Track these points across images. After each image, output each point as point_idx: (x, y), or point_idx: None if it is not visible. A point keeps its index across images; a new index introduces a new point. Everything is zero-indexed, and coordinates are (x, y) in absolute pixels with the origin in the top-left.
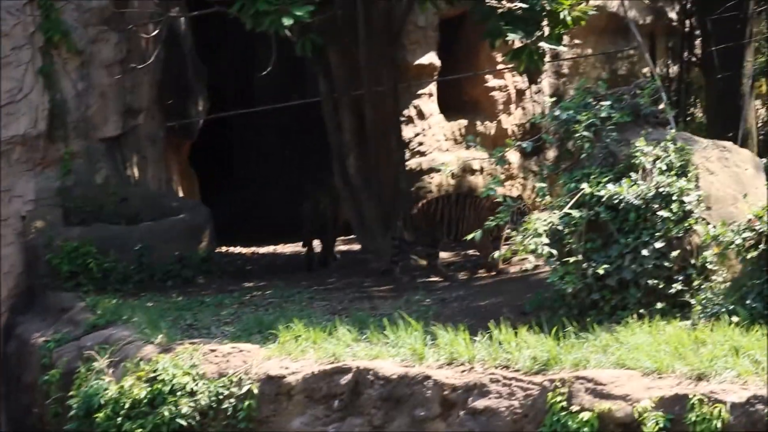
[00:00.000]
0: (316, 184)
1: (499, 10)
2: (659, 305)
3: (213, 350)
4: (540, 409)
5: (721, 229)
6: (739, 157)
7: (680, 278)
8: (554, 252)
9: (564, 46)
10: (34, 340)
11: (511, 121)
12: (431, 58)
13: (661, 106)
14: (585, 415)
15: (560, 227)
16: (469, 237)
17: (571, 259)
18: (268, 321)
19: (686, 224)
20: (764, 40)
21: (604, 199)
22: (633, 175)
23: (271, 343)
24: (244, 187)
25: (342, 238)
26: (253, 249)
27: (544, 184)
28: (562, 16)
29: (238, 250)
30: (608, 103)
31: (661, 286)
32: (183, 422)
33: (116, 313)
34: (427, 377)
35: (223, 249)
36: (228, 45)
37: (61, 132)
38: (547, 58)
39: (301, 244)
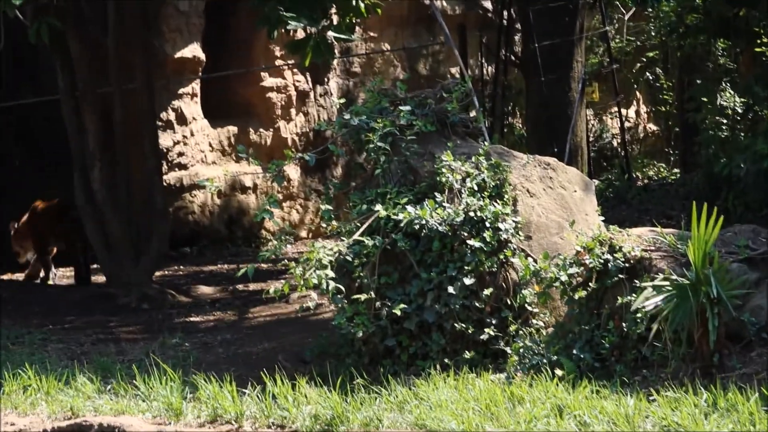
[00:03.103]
0: None
1: None
2: (468, 354)
3: None
4: None
5: (544, 263)
6: (565, 176)
7: (493, 322)
8: (341, 288)
9: (356, 38)
10: None
11: (291, 129)
12: (195, 51)
13: (473, 114)
14: None
15: (349, 257)
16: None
17: (362, 297)
18: None
19: (501, 256)
20: (597, 36)
21: (402, 225)
22: (438, 196)
23: None
24: None
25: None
26: None
27: (329, 206)
28: (354, 2)
29: None
30: (408, 108)
31: (470, 332)
32: None
33: None
34: None
35: None
36: None
37: None
38: (335, 54)
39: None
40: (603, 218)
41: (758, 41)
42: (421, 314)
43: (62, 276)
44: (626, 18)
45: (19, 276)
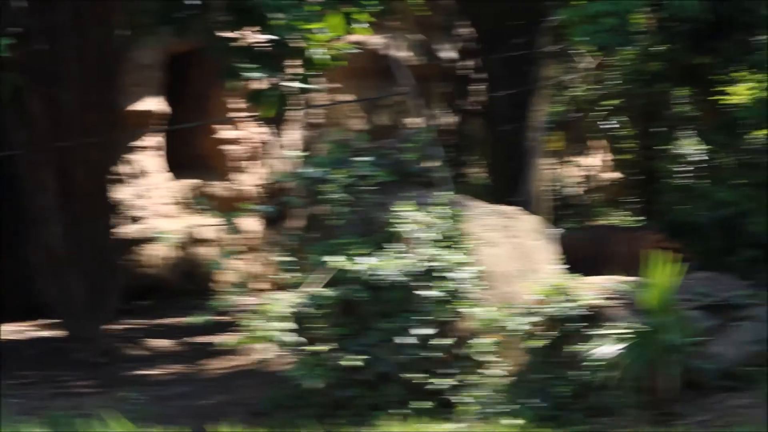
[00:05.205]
0: None
1: (238, 44)
2: (426, 404)
3: None
4: None
5: (502, 313)
6: (525, 225)
7: (452, 372)
8: (300, 339)
9: (319, 89)
10: None
11: (252, 181)
12: (155, 104)
13: (434, 164)
14: None
15: (308, 309)
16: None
17: (320, 348)
18: None
19: (460, 306)
20: (560, 85)
21: (361, 276)
22: (397, 246)
23: None
24: None
25: (44, 321)
26: None
27: (289, 258)
28: (306, 55)
29: None
30: (369, 159)
31: (428, 381)
32: None
33: None
34: None
35: None
36: None
37: None
38: (297, 105)
39: None
40: (563, 267)
41: (716, 89)
42: (378, 365)
43: (17, 331)
44: (590, 66)
45: None
